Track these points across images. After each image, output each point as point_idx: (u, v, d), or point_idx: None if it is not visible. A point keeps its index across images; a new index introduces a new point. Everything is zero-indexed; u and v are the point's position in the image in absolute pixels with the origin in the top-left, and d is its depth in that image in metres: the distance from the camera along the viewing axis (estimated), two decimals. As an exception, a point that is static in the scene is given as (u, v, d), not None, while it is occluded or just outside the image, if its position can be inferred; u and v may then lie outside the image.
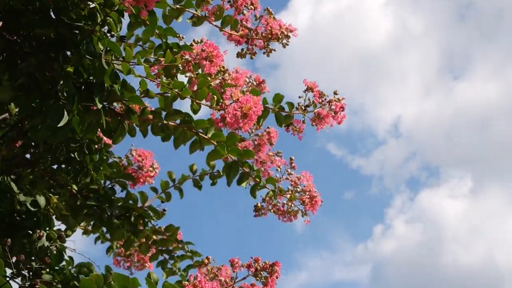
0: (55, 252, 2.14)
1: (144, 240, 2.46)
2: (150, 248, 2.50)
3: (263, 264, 1.37)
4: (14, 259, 1.83)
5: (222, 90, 1.62)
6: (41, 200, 2.16)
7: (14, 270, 1.92)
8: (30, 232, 2.16)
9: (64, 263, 2.26)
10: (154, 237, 2.49)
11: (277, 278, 1.38)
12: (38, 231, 2.01)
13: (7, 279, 1.36)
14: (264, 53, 2.01)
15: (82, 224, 2.70)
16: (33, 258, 2.11)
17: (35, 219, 2.13)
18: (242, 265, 1.37)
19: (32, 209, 2.14)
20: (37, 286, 1.29)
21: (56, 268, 2.27)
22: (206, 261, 1.32)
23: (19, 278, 1.98)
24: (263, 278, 1.37)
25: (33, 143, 2.23)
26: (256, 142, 2.20)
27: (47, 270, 2.22)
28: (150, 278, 1.36)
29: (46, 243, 2.10)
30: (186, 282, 1.25)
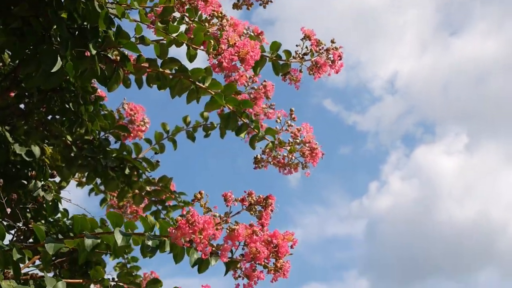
0: (50, 203, 2.14)
1: (137, 191, 2.47)
2: (144, 198, 2.51)
3: (257, 198, 1.38)
4: (8, 210, 1.84)
5: (219, 36, 1.60)
6: (36, 150, 2.15)
7: (9, 222, 1.94)
8: (25, 182, 2.17)
9: (59, 215, 2.27)
10: (148, 188, 2.50)
11: (271, 211, 1.39)
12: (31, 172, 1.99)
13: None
14: (260, 4, 1.98)
15: (76, 176, 2.71)
16: (28, 210, 2.11)
17: (30, 169, 2.13)
18: (235, 200, 1.37)
19: (27, 159, 2.14)
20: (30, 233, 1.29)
21: (51, 220, 2.28)
22: (198, 195, 1.32)
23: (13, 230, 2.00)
24: (257, 212, 1.38)
25: (27, 93, 2.21)
26: (252, 96, 2.18)
27: (42, 222, 2.24)
28: (146, 219, 1.37)
29: (41, 193, 2.11)
30: (180, 217, 1.25)
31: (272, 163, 1.93)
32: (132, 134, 2.49)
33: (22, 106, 2.30)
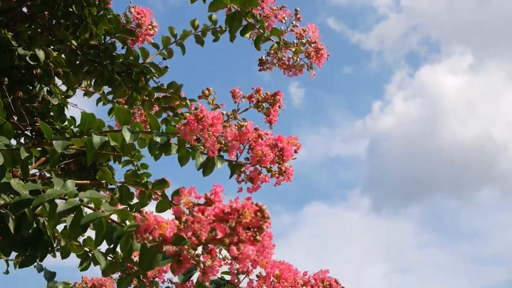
0: (56, 107, 2.13)
1: (146, 97, 2.44)
2: (153, 105, 2.48)
3: (265, 95, 1.35)
4: (16, 118, 1.82)
5: None
6: (41, 54, 2.11)
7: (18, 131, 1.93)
8: (30, 87, 2.14)
9: (66, 123, 2.26)
10: (157, 94, 2.47)
11: (279, 108, 1.36)
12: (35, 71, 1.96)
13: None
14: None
15: (83, 85, 2.67)
16: (34, 114, 2.10)
17: (35, 73, 2.09)
18: (243, 96, 1.34)
19: (31, 63, 2.10)
20: (37, 124, 1.26)
21: (58, 127, 2.27)
22: (206, 92, 1.29)
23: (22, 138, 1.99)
24: (265, 109, 1.36)
25: (29, -4, 2.15)
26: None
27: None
28: (154, 117, 1.35)
29: (48, 97, 2.09)
30: (188, 113, 1.23)
31: (277, 64, 1.90)
32: (140, 39, 2.43)
33: (25, 10, 2.24)
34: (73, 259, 1.77)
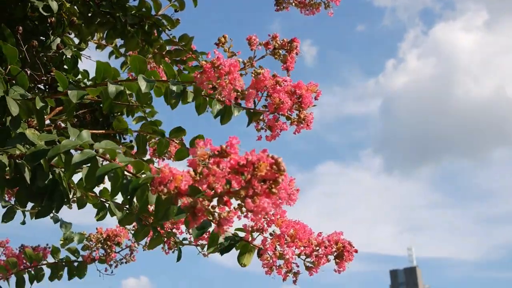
0: (69, 59, 2.11)
1: (158, 50, 2.42)
2: (164, 58, 2.47)
3: (281, 41, 1.32)
4: (30, 68, 1.81)
5: None
6: (54, 4, 2.09)
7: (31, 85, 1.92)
8: (43, 39, 2.13)
9: (79, 76, 2.25)
10: (168, 47, 2.44)
11: (296, 54, 1.34)
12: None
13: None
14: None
15: (95, 38, 2.65)
16: (48, 66, 2.09)
17: (49, 21, 2.07)
18: (259, 43, 1.32)
19: (44, 14, 2.08)
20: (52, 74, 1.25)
21: (72, 81, 2.26)
22: (222, 39, 1.27)
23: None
24: (281, 56, 1.33)
25: None
26: None
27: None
28: (170, 66, 1.33)
29: (62, 46, 2.07)
30: (204, 62, 1.21)
31: (293, 3, 1.86)
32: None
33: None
34: (89, 211, 1.78)
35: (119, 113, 1.89)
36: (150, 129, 1.62)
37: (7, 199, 1.80)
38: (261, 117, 1.36)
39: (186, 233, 1.72)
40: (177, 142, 1.65)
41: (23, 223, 1.90)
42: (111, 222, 2.16)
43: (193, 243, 1.72)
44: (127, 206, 1.47)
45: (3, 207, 1.79)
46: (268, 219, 1.21)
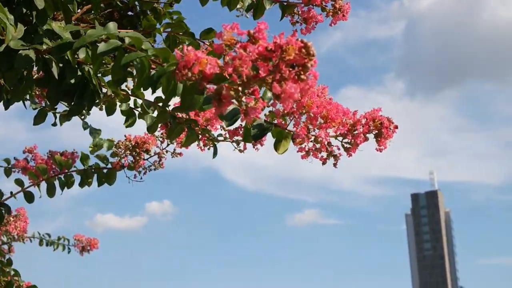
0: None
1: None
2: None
3: None
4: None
5: None
6: None
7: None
8: None
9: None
10: None
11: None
12: None
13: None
14: None
15: None
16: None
17: None
18: None
19: None
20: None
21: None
22: None
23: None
24: None
25: None
26: None
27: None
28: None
29: None
30: None
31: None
32: None
33: None
34: (118, 119, 1.76)
35: (148, 12, 1.83)
36: (181, 29, 1.55)
37: (37, 101, 1.78)
38: (295, 10, 1.29)
39: (221, 130, 1.68)
40: (208, 44, 1.59)
41: (54, 124, 1.88)
42: (139, 129, 2.14)
43: (228, 139, 1.69)
44: (160, 104, 1.43)
45: (34, 109, 1.78)
46: (299, 102, 1.15)
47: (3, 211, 2.05)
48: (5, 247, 2.93)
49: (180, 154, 2.02)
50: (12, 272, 2.23)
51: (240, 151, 1.74)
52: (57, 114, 1.89)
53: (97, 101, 1.37)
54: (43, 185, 2.29)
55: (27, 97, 1.73)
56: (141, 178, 2.17)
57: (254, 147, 1.67)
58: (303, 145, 1.17)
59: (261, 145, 1.67)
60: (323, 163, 1.19)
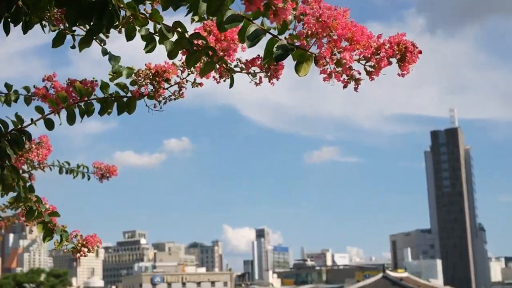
0: None
1: None
2: None
3: None
4: None
5: None
6: None
7: None
8: None
9: None
10: None
11: None
12: None
13: None
14: None
15: None
16: None
17: None
18: None
19: None
20: None
21: None
22: None
23: None
24: None
25: None
26: None
27: None
28: None
29: None
30: None
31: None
32: None
33: None
34: (138, 48, 1.72)
35: None
36: None
37: (55, 24, 1.75)
38: None
39: (237, 62, 1.65)
40: None
41: (73, 47, 1.85)
42: (160, 58, 2.10)
43: (245, 71, 1.65)
44: (178, 29, 1.39)
45: (53, 31, 1.74)
46: (323, 22, 1.10)
47: (24, 138, 2.06)
48: (26, 175, 2.97)
49: (201, 84, 1.99)
50: (34, 199, 2.26)
51: (256, 84, 1.71)
52: (76, 37, 1.86)
53: (116, 23, 1.33)
54: (63, 113, 2.28)
55: (46, 20, 1.69)
56: (161, 108, 2.15)
57: (270, 81, 1.64)
58: (325, 67, 1.13)
59: (277, 79, 1.63)
60: (344, 86, 1.16)
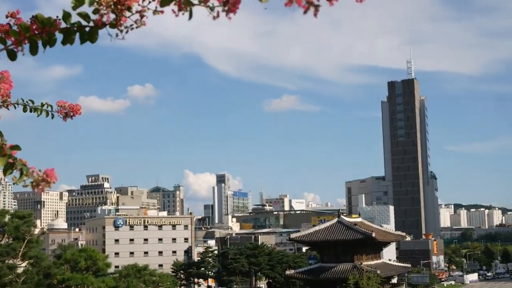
0: None
1: None
2: None
3: None
4: None
5: None
6: None
7: None
8: None
9: None
10: None
11: None
12: None
13: None
14: None
15: None
16: None
17: None
18: None
19: None
20: None
21: None
22: None
23: None
24: None
25: None
26: None
27: None
28: None
29: None
30: None
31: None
32: None
33: None
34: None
35: None
36: None
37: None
38: None
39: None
40: None
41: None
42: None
43: (203, 4, 1.73)
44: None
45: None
46: None
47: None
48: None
49: (162, 12, 2.06)
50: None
51: (214, 17, 1.79)
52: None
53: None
54: (26, 47, 2.33)
55: None
56: (123, 37, 2.23)
57: (227, 15, 1.72)
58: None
59: (234, 13, 1.72)
60: (305, 12, 1.26)
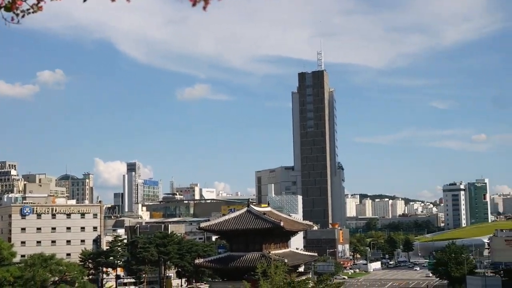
0: None
1: None
2: None
3: None
4: None
5: None
6: None
7: None
8: None
9: None
10: None
11: None
12: None
13: None
14: None
15: None
16: None
17: None
18: None
19: None
20: None
21: None
22: None
23: None
24: None
25: None
26: None
27: None
28: None
29: None
30: None
31: None
32: None
33: None
34: None
35: None
36: None
37: None
38: None
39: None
40: None
41: None
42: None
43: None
44: None
45: None
46: None
47: None
48: None
49: (59, -3, 1.99)
50: None
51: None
52: None
53: None
54: None
55: None
56: (18, 22, 2.14)
57: None
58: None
59: None
60: (193, 5, 1.26)
